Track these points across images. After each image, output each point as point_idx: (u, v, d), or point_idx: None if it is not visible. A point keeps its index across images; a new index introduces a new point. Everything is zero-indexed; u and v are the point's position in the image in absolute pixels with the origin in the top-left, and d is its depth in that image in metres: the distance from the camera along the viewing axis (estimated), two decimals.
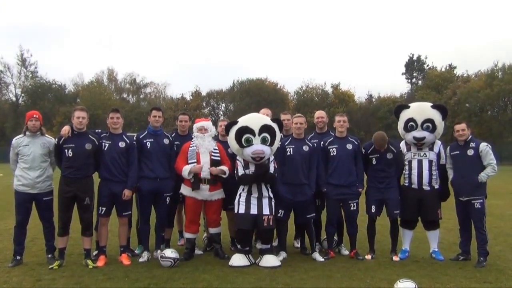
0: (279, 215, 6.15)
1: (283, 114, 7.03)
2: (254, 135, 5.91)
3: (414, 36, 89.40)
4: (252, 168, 5.98)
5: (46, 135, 6.05)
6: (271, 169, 6.02)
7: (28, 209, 5.89)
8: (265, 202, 5.96)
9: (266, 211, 5.92)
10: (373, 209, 6.36)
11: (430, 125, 6.21)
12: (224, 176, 6.17)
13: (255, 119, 6.12)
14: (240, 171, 6.00)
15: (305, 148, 6.25)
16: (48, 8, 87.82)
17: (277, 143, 6.07)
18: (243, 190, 6.01)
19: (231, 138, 6.05)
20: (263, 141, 5.91)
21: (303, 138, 6.38)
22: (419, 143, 6.25)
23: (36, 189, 5.80)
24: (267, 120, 6.11)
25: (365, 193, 6.46)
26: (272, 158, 6.12)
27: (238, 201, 6.00)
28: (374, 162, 6.38)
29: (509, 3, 75.72)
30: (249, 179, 5.94)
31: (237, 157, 6.12)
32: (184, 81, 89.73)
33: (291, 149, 6.22)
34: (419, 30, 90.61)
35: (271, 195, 6.05)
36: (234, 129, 6.00)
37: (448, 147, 6.33)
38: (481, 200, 5.98)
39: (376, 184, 6.35)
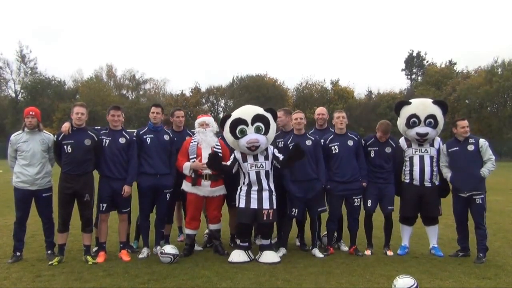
0: (292, 213, 6.18)
1: (279, 112, 7.01)
2: (248, 125, 5.93)
3: (414, 32, 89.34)
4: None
5: (44, 131, 6.04)
6: (280, 157, 6.02)
7: (27, 206, 5.88)
8: (265, 195, 5.96)
9: (266, 205, 5.93)
10: (369, 203, 6.38)
11: (432, 121, 6.21)
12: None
13: (248, 110, 6.14)
14: (227, 163, 6.04)
15: (308, 142, 6.25)
16: (47, 5, 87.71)
17: (272, 132, 6.07)
18: (244, 183, 6.02)
19: (226, 132, 6.08)
20: (257, 130, 5.93)
21: (304, 134, 6.38)
22: (422, 139, 6.25)
23: (35, 186, 5.79)
24: (260, 110, 6.11)
25: None
26: (271, 148, 6.11)
27: (239, 195, 6.02)
28: (372, 155, 6.39)
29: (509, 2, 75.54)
30: (225, 168, 6.00)
31: (235, 151, 6.13)
32: (183, 77, 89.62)
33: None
34: (418, 27, 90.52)
35: (272, 188, 6.04)
36: (228, 122, 6.04)
37: (445, 145, 6.32)
38: (482, 196, 5.99)
39: (373, 179, 6.37)
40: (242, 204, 5.97)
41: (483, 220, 6.00)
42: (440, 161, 6.31)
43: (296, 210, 6.19)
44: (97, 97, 47.64)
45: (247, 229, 6.09)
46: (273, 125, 6.08)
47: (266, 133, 5.98)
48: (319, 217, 6.67)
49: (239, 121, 5.96)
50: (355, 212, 6.41)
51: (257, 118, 5.97)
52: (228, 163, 6.04)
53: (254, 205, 5.92)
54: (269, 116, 6.05)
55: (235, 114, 6.10)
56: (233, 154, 6.09)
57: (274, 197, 6.03)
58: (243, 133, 5.93)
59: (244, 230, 6.06)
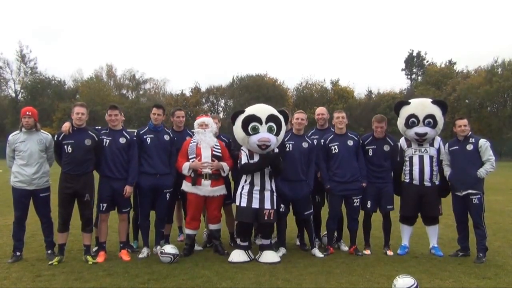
0: (280, 209, 6.16)
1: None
2: (261, 123, 5.90)
3: (414, 32, 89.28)
4: (256, 159, 5.96)
5: (42, 131, 6.03)
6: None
7: (25, 205, 5.88)
8: (267, 195, 5.95)
9: (267, 205, 5.92)
10: (369, 204, 6.39)
11: (431, 120, 6.21)
12: (223, 174, 6.18)
13: (262, 109, 6.13)
14: (244, 160, 5.99)
15: (305, 144, 6.24)
16: (47, 5, 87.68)
17: (282, 134, 6.06)
18: (246, 182, 6.00)
19: (237, 127, 6.04)
20: (270, 130, 5.91)
21: (303, 135, 6.38)
22: (421, 139, 6.25)
23: (33, 186, 5.79)
24: (274, 111, 6.10)
25: None
26: (276, 150, 6.10)
27: (240, 193, 6.00)
28: (370, 153, 6.40)
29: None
30: (252, 167, 5.94)
31: (242, 147, 6.11)
32: (183, 77, 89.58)
33: (290, 145, 6.21)
34: (418, 27, 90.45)
35: (274, 188, 6.04)
36: (240, 118, 6.00)
37: (447, 144, 6.34)
38: (479, 196, 6.00)
39: (372, 179, 6.37)
40: (243, 203, 5.95)
41: (482, 220, 6.01)
42: (442, 159, 6.31)
43: (284, 206, 6.19)
44: (97, 97, 47.60)
45: (248, 228, 6.08)
46: (284, 127, 6.06)
47: (277, 134, 5.96)
48: (319, 217, 6.68)
49: (253, 118, 5.93)
50: (354, 213, 6.40)
51: (271, 118, 5.96)
52: (246, 159, 5.97)
53: (255, 204, 5.90)
54: (281, 117, 6.05)
55: (249, 111, 6.06)
56: (242, 152, 6.06)
57: (275, 197, 6.02)
58: (256, 130, 5.90)
59: (245, 229, 6.05)
